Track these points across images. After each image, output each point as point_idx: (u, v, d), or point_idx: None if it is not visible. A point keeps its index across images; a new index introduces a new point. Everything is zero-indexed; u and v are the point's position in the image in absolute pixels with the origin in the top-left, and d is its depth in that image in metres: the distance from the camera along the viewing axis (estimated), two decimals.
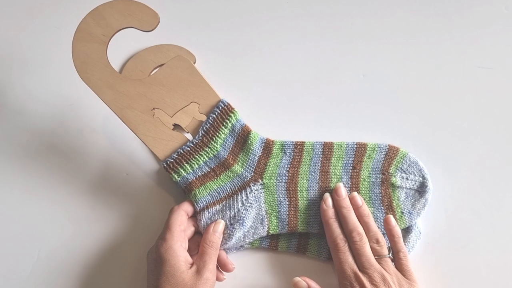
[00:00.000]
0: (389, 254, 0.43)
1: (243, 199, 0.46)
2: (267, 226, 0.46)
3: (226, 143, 0.46)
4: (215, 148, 0.46)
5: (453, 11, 0.56)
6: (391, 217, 0.44)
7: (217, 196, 0.46)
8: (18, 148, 0.52)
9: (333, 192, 0.45)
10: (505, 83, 0.53)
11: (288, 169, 0.47)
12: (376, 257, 0.42)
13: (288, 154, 0.47)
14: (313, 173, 0.47)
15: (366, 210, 0.45)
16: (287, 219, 0.46)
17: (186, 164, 0.45)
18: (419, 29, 0.55)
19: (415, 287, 0.42)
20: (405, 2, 0.57)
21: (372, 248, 0.43)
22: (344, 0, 0.57)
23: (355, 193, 0.45)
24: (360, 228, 0.43)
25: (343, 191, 0.45)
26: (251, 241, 0.46)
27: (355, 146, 0.48)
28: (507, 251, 0.46)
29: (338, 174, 0.47)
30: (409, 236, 0.46)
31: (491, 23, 0.55)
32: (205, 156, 0.46)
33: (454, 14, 0.56)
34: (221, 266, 0.45)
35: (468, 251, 0.46)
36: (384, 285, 0.40)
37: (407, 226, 0.46)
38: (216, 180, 0.46)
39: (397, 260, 0.43)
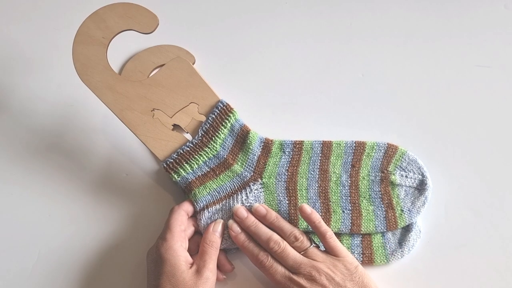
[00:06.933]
0: (311, 244, 0.43)
1: (243, 199, 0.46)
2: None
3: (225, 143, 0.47)
4: (215, 148, 0.46)
5: (452, 9, 0.56)
6: (304, 205, 0.44)
7: (217, 195, 0.46)
8: (19, 149, 0.52)
9: (234, 216, 0.44)
10: (504, 82, 0.53)
11: (287, 168, 0.47)
12: (302, 253, 0.42)
13: (287, 153, 0.48)
14: (312, 172, 0.47)
15: (273, 214, 0.44)
16: (288, 218, 0.46)
17: (185, 164, 0.46)
18: (418, 28, 0.56)
19: (346, 261, 0.41)
20: (403, 2, 0.57)
21: (294, 247, 0.42)
22: (343, 0, 0.57)
23: (256, 204, 0.45)
24: (274, 235, 0.43)
25: (242, 211, 0.44)
26: None
27: (354, 144, 0.48)
28: (507, 250, 0.46)
29: (337, 172, 0.47)
30: (409, 234, 0.45)
31: (491, 22, 0.55)
32: (204, 156, 0.46)
33: (453, 13, 0.56)
34: (221, 266, 0.45)
35: (468, 249, 0.46)
36: (320, 275, 0.40)
37: (407, 224, 0.45)
38: (216, 179, 0.46)
39: (325, 243, 0.43)
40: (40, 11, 0.58)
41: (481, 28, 0.55)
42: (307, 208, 0.44)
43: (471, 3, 0.56)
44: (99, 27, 0.44)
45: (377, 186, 0.46)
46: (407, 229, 0.46)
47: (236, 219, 0.44)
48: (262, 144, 0.47)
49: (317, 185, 0.47)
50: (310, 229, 0.45)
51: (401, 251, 0.45)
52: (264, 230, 0.43)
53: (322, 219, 0.45)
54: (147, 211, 0.49)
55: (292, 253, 0.42)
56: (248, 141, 0.47)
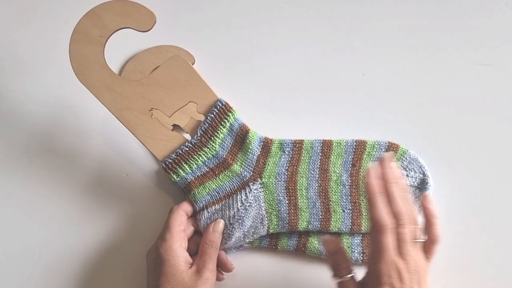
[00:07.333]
0: (422, 237, 0.39)
1: (242, 199, 0.45)
2: (267, 225, 0.45)
3: (224, 142, 0.46)
4: (214, 148, 0.46)
5: (452, 8, 0.56)
6: (428, 195, 0.40)
7: (216, 195, 0.46)
8: (18, 150, 0.52)
9: (379, 162, 0.39)
10: (506, 80, 0.52)
11: (287, 167, 0.47)
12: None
13: (287, 152, 0.47)
14: (312, 172, 0.47)
15: (404, 184, 0.39)
16: (288, 218, 0.45)
17: (184, 165, 0.45)
18: (418, 27, 0.55)
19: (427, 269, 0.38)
20: (404, 1, 0.57)
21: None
22: (343, 0, 0.57)
23: (395, 164, 0.40)
24: (410, 211, 0.37)
25: (390, 159, 0.38)
26: (251, 240, 0.46)
27: (355, 143, 0.47)
28: (507, 249, 0.46)
29: (337, 172, 0.47)
30: None
31: (491, 20, 0.55)
32: (203, 156, 0.46)
33: (453, 11, 0.56)
34: (221, 266, 0.45)
35: (469, 249, 0.46)
36: (418, 275, 0.36)
37: None
38: (215, 180, 0.46)
39: (430, 247, 0.39)
40: (40, 11, 0.58)
41: (481, 26, 0.55)
42: (430, 199, 0.40)
43: (472, 1, 0.56)
44: (95, 25, 0.44)
45: None
46: None
47: (377, 166, 0.39)
48: (262, 143, 0.47)
49: (317, 185, 0.46)
50: (310, 229, 0.45)
51: None
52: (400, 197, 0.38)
53: (322, 218, 0.45)
54: (146, 211, 0.49)
55: (410, 237, 0.37)
56: (248, 141, 0.46)
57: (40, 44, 0.56)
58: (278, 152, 0.47)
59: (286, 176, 0.47)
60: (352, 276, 0.38)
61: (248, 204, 0.45)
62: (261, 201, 0.46)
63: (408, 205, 0.38)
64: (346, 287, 0.38)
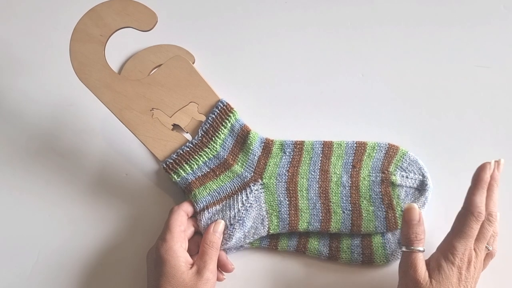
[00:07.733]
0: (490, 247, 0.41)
1: (243, 200, 0.46)
2: (267, 226, 0.46)
3: (225, 143, 0.46)
4: (215, 149, 0.46)
5: (451, 9, 0.56)
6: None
7: (217, 196, 0.46)
8: (18, 149, 0.52)
9: (496, 165, 0.41)
10: (504, 82, 0.53)
11: (288, 168, 0.47)
12: None
13: (287, 153, 0.47)
14: (313, 173, 0.47)
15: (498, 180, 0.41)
16: (288, 219, 0.45)
17: (185, 165, 0.45)
18: (417, 27, 0.56)
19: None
20: (403, 2, 0.57)
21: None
22: (343, 0, 0.57)
23: (502, 160, 0.41)
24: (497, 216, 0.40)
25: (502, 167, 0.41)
26: (251, 241, 0.46)
27: (355, 145, 0.48)
28: (506, 250, 0.46)
29: (338, 173, 0.47)
30: None
31: (489, 22, 0.55)
32: (204, 157, 0.46)
33: (452, 13, 0.56)
34: (221, 266, 0.45)
35: None
36: (477, 273, 0.39)
37: None
38: (216, 180, 0.46)
39: (487, 255, 0.41)
40: (39, 11, 0.58)
41: (480, 28, 0.55)
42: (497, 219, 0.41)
43: (470, 3, 0.56)
44: (96, 24, 0.43)
45: (377, 186, 0.46)
46: None
47: (493, 166, 0.41)
48: (263, 144, 0.47)
49: (317, 186, 0.46)
50: (310, 230, 0.45)
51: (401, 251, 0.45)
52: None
53: (322, 219, 0.46)
54: (147, 211, 0.49)
55: (488, 237, 0.40)
56: (249, 142, 0.46)
57: (40, 43, 0.56)
58: (279, 153, 0.47)
59: (286, 177, 0.47)
60: (423, 251, 0.40)
61: (249, 204, 0.45)
62: (262, 202, 0.46)
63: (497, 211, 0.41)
64: (415, 259, 0.39)
